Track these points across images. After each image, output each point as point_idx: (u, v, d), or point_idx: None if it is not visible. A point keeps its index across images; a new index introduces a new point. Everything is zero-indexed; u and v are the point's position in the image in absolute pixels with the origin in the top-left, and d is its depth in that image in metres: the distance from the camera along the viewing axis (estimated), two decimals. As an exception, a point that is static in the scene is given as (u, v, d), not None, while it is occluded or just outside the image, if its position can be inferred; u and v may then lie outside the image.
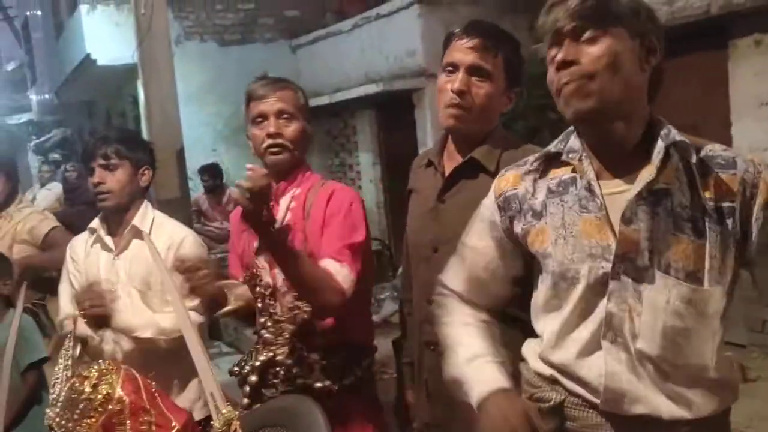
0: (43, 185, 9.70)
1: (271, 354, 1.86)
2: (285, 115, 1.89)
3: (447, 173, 1.82)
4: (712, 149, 1.27)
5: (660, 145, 1.24)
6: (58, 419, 1.60)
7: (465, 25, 1.79)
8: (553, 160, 1.36)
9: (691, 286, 1.22)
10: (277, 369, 1.86)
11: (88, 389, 1.50)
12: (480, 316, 1.49)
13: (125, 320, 2.14)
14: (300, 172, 1.95)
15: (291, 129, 1.90)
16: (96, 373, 1.54)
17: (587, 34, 1.22)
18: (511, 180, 1.43)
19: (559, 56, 1.23)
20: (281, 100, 1.90)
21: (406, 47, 6.60)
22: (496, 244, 1.45)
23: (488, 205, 1.46)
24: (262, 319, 1.91)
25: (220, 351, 6.08)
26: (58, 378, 1.91)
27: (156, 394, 1.49)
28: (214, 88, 8.18)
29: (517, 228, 1.40)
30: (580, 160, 1.30)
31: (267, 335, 1.89)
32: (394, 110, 6.97)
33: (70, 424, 1.52)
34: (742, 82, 4.43)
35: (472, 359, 1.41)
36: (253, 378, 1.87)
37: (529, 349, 1.43)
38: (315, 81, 7.60)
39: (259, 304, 1.91)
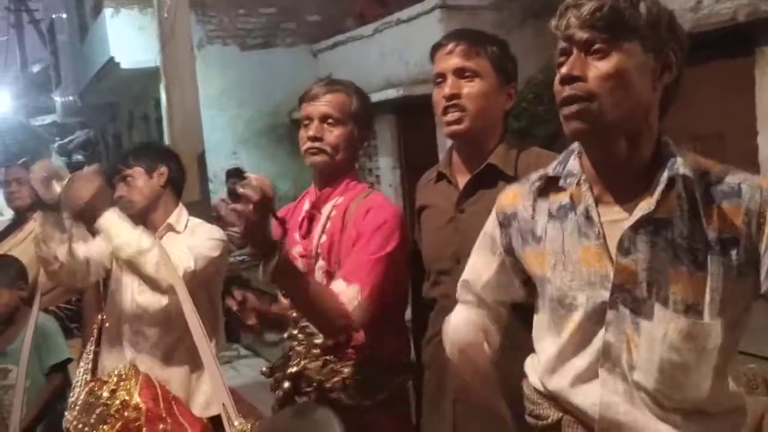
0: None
1: (303, 365, 1.82)
2: (330, 120, 1.85)
3: (460, 183, 1.79)
4: (718, 175, 1.19)
5: (664, 177, 1.17)
6: (75, 422, 1.61)
7: (443, 35, 1.82)
8: (553, 182, 1.31)
9: (690, 319, 1.17)
10: (309, 380, 1.82)
11: (106, 394, 1.51)
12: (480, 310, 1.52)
13: (111, 226, 1.97)
14: (345, 179, 1.90)
15: (334, 134, 1.85)
16: (115, 379, 1.55)
17: (597, 47, 1.16)
18: (511, 198, 1.39)
19: (564, 69, 1.18)
20: (328, 104, 1.86)
21: (426, 52, 6.53)
22: (496, 260, 1.43)
23: (490, 222, 1.44)
24: (294, 330, 1.87)
25: (238, 354, 6.10)
26: (77, 381, 1.93)
27: (173, 402, 1.49)
28: (236, 92, 8.22)
29: (517, 248, 1.37)
30: (578, 184, 1.25)
31: (299, 347, 1.85)
32: (414, 115, 6.94)
33: (86, 429, 1.53)
34: (768, 90, 4.36)
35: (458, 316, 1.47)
36: (286, 385, 1.82)
37: (530, 365, 1.40)
38: (336, 85, 7.59)
39: (292, 314, 1.87)
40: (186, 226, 2.33)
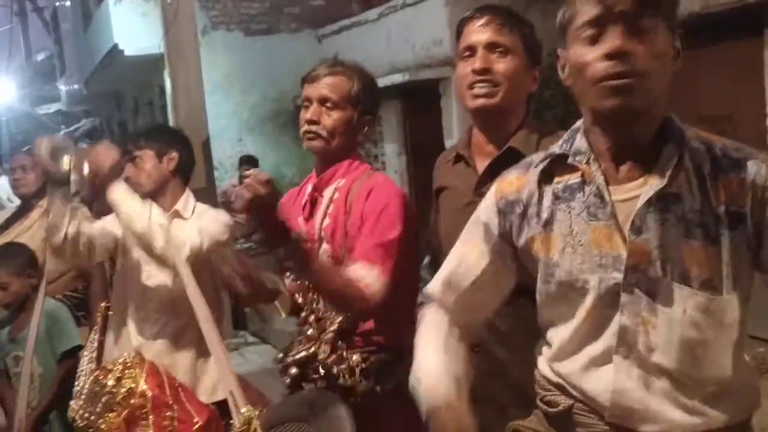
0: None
1: (312, 351, 1.81)
2: (328, 103, 1.82)
3: (479, 167, 1.75)
4: (723, 148, 1.18)
5: (673, 152, 1.16)
6: (81, 411, 1.60)
7: (474, 9, 1.76)
8: (558, 162, 1.28)
9: (708, 295, 1.15)
10: (318, 366, 1.80)
11: (111, 383, 1.51)
12: (454, 334, 1.42)
13: (122, 199, 2.04)
14: (346, 161, 1.87)
15: (331, 118, 1.82)
16: (120, 367, 1.55)
17: (643, 23, 1.12)
18: (514, 183, 1.34)
19: (616, 43, 1.11)
20: (327, 87, 1.83)
21: (432, 36, 6.53)
22: (488, 253, 1.37)
23: (485, 208, 1.38)
24: (304, 314, 1.86)
25: (245, 341, 6.12)
26: (82, 370, 1.93)
27: (179, 389, 1.49)
28: (240, 78, 8.20)
29: (520, 235, 1.32)
30: (588, 163, 1.22)
31: (310, 331, 1.83)
32: (420, 100, 6.91)
33: (92, 417, 1.52)
34: (778, 72, 4.31)
35: (430, 361, 1.39)
36: (294, 371, 1.81)
37: (540, 351, 1.37)
38: (340, 71, 7.56)
39: (302, 299, 1.86)
40: (193, 212, 2.33)
